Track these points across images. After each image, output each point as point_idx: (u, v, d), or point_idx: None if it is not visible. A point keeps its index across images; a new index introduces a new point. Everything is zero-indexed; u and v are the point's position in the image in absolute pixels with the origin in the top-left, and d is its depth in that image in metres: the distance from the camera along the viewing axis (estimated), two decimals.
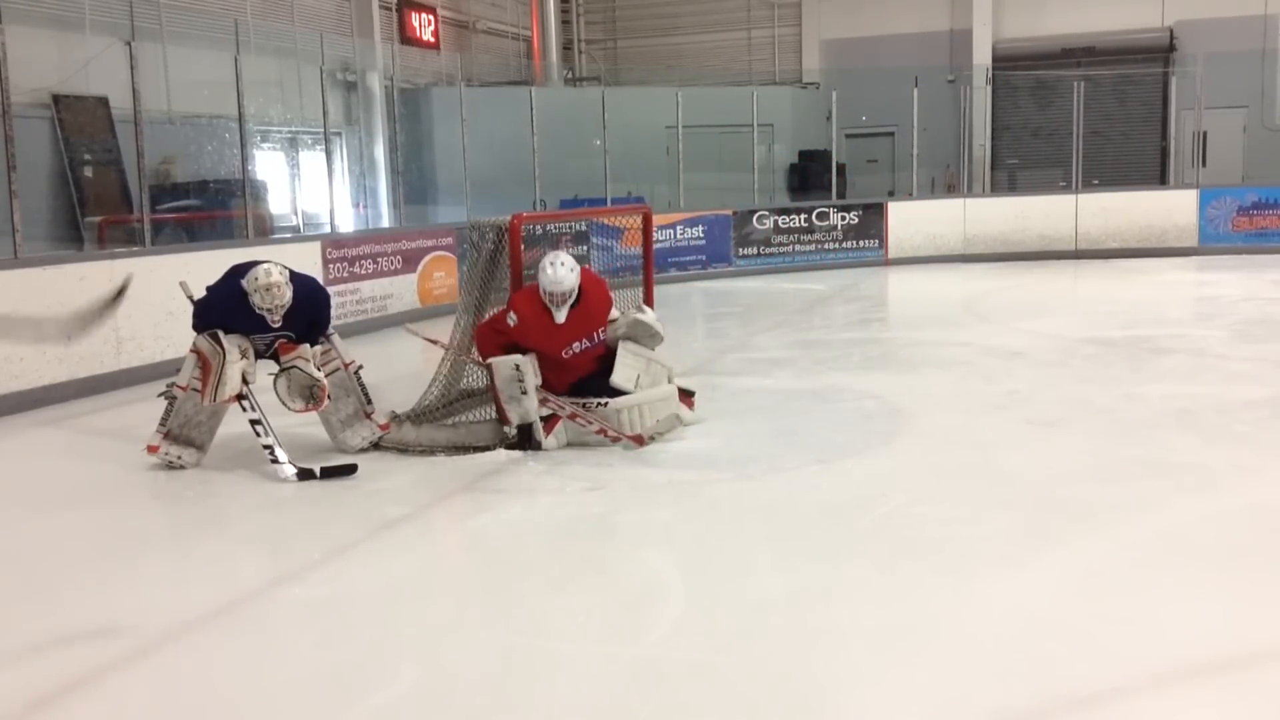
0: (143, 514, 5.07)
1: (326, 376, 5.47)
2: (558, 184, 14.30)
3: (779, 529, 4.40)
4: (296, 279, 5.40)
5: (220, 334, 5.26)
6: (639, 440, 5.54)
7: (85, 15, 11.06)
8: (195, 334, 5.38)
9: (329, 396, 5.43)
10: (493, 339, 5.66)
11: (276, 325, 5.31)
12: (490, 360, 5.55)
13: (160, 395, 5.48)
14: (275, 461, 5.28)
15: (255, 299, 5.22)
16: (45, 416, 6.96)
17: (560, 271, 5.49)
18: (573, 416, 5.57)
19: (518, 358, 5.48)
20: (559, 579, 3.95)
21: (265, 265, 5.28)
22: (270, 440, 5.32)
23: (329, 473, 5.27)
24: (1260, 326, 9.12)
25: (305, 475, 5.26)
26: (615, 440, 5.53)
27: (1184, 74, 16.67)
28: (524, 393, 5.46)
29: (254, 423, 5.33)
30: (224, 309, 5.32)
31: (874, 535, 4.28)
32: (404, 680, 3.15)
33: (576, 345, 5.66)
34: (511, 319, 5.60)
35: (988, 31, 18.39)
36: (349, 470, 5.30)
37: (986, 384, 7.06)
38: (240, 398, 5.30)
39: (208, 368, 5.24)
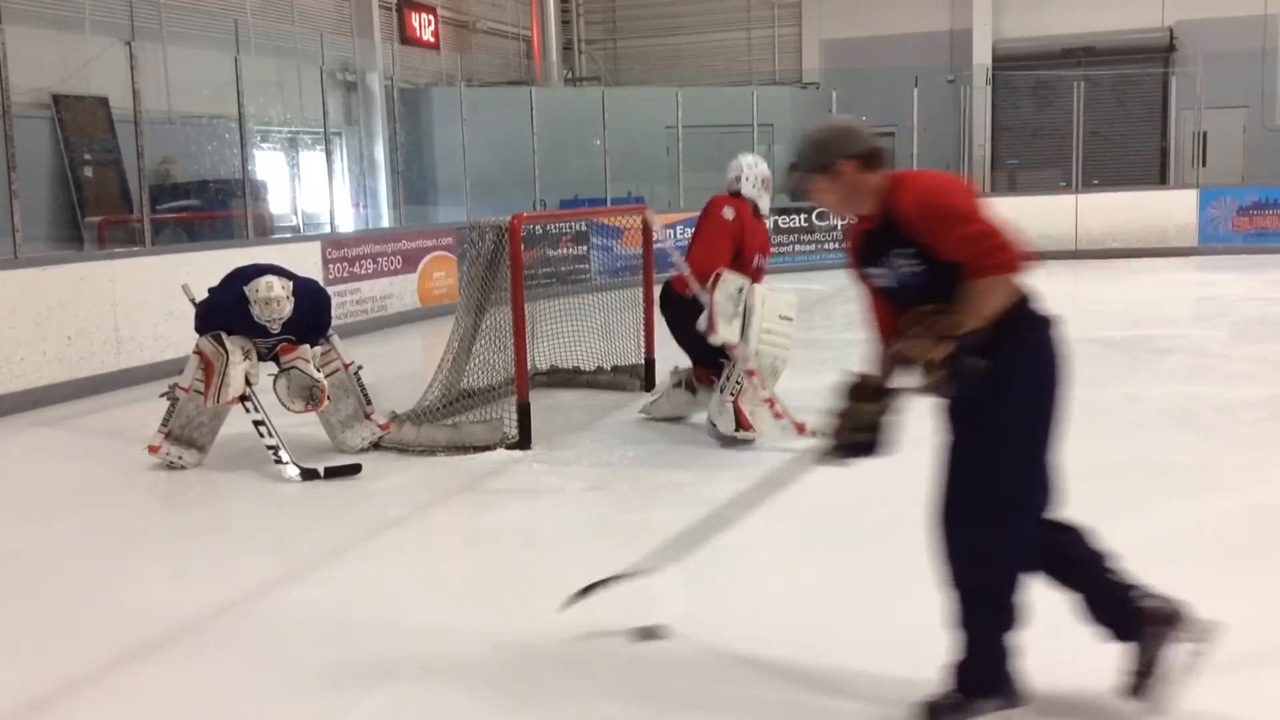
0: (143, 514, 5.07)
1: (326, 377, 5.47)
2: (558, 184, 14.29)
3: (779, 529, 4.39)
4: (299, 285, 5.39)
5: (223, 335, 5.26)
6: (800, 428, 5.60)
7: (85, 15, 11.07)
8: (198, 335, 5.38)
9: (328, 397, 5.43)
10: (723, 239, 5.65)
11: (276, 331, 5.32)
12: (722, 270, 5.49)
13: (162, 396, 5.48)
14: (279, 462, 5.28)
15: (255, 309, 5.21)
16: (45, 416, 6.96)
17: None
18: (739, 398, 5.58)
19: (744, 280, 5.52)
20: (559, 579, 3.94)
21: (268, 278, 5.25)
22: (274, 441, 5.32)
23: (333, 473, 5.28)
24: (1260, 326, 9.12)
25: (309, 475, 5.26)
26: (779, 417, 5.66)
27: (1184, 74, 16.67)
28: (735, 316, 5.47)
29: (258, 424, 5.34)
30: (226, 312, 5.32)
31: (874, 535, 4.28)
32: (404, 680, 3.15)
33: (759, 258, 5.81)
34: (729, 212, 5.69)
35: (988, 31, 18.39)
36: (353, 470, 5.30)
37: None
38: (243, 399, 5.31)
39: (210, 369, 5.25)
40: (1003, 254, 2.59)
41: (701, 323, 5.44)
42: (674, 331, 6.05)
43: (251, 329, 5.33)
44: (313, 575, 4.04)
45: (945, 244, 2.62)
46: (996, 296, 2.62)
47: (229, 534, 4.71)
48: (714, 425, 5.64)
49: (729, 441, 5.57)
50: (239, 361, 5.25)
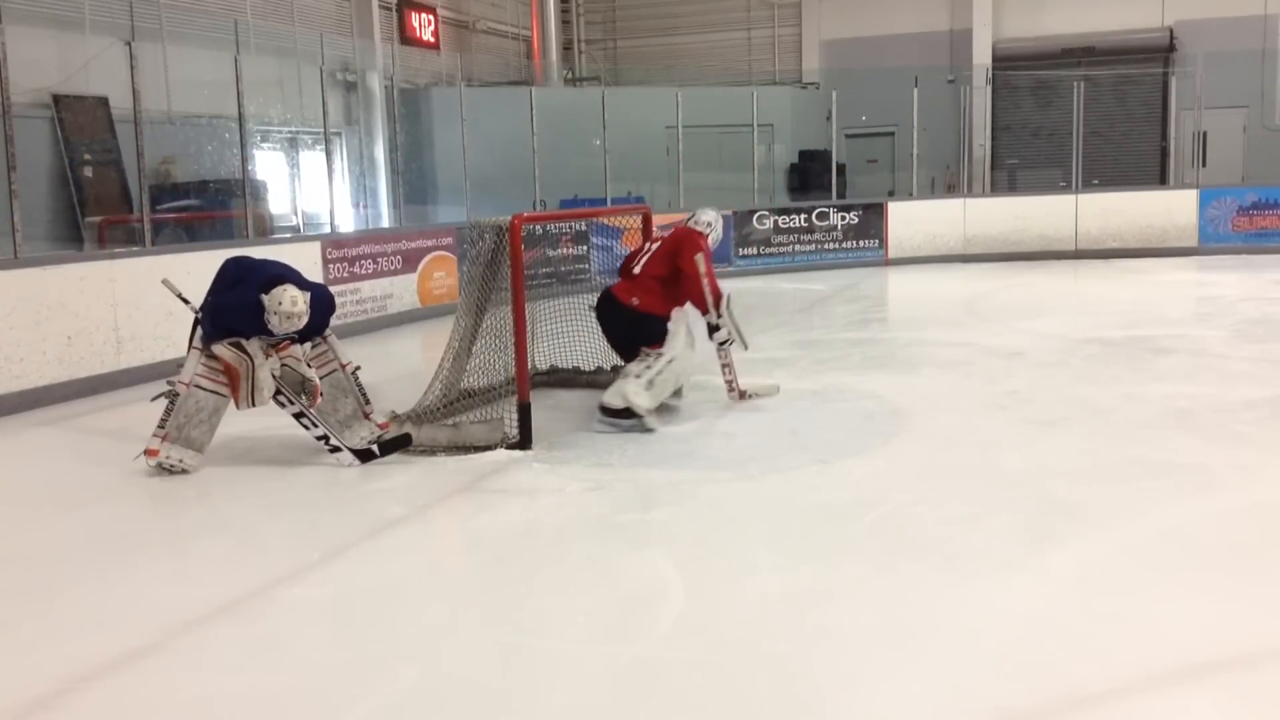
0: (142, 514, 5.07)
1: (323, 377, 5.49)
2: (558, 184, 14.30)
3: (779, 529, 4.40)
4: (312, 296, 5.38)
5: (242, 342, 5.24)
6: (741, 395, 6.60)
7: (85, 15, 11.07)
8: (205, 336, 5.34)
9: (321, 393, 5.44)
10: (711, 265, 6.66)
11: (278, 334, 5.32)
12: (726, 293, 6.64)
13: (157, 398, 5.44)
14: (334, 450, 5.31)
15: (271, 320, 5.18)
16: (45, 416, 6.96)
17: None
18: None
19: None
20: (559, 579, 3.95)
21: (291, 293, 5.20)
22: (322, 430, 5.32)
23: (388, 448, 5.38)
24: (1260, 326, 9.12)
25: (367, 457, 5.32)
26: (740, 395, 6.57)
27: (1184, 74, 16.68)
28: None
29: (298, 416, 5.36)
30: (239, 314, 5.26)
31: (874, 535, 4.28)
32: (404, 680, 3.15)
33: None
34: (708, 245, 6.80)
35: (988, 31, 18.40)
36: (405, 441, 5.40)
37: (986, 384, 7.06)
38: (277, 394, 5.32)
39: (235, 375, 5.23)
40: None
41: (724, 334, 6.52)
42: (614, 333, 6.52)
43: (254, 330, 5.31)
44: (313, 575, 4.04)
45: None
46: None
47: (229, 534, 4.71)
48: (616, 410, 5.94)
49: (632, 423, 5.91)
50: (264, 363, 5.25)
